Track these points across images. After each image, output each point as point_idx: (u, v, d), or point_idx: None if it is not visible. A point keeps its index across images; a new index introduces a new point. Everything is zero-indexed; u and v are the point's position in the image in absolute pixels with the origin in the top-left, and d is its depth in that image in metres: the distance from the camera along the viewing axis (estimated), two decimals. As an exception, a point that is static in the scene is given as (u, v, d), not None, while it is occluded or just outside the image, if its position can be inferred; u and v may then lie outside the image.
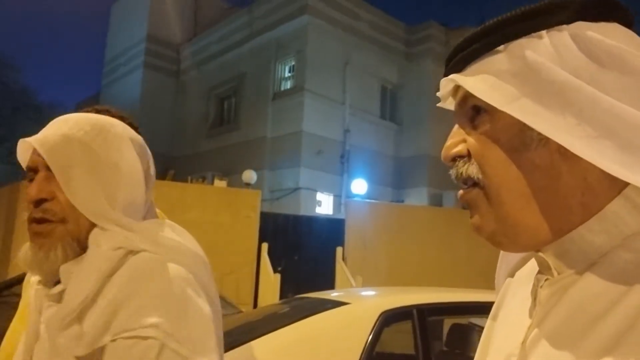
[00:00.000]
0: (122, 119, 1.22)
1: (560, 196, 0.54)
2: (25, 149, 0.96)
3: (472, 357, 0.70)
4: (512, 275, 0.70)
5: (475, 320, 2.68)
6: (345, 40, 14.81)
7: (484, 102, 0.55)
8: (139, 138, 1.02)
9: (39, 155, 0.91)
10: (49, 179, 0.91)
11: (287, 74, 15.19)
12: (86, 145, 0.91)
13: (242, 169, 11.73)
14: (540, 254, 0.58)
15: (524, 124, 0.53)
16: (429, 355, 2.21)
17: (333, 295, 2.79)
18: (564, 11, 0.53)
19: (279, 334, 2.20)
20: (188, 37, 18.85)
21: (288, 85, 15.04)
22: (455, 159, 0.59)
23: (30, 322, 0.94)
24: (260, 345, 2.13)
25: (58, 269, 0.90)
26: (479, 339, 0.70)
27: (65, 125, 0.93)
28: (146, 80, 18.07)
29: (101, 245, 0.87)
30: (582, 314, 0.52)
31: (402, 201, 13.84)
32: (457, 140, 0.59)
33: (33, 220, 0.91)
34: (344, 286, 7.80)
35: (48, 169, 0.90)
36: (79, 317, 0.83)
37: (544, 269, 0.59)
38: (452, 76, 0.60)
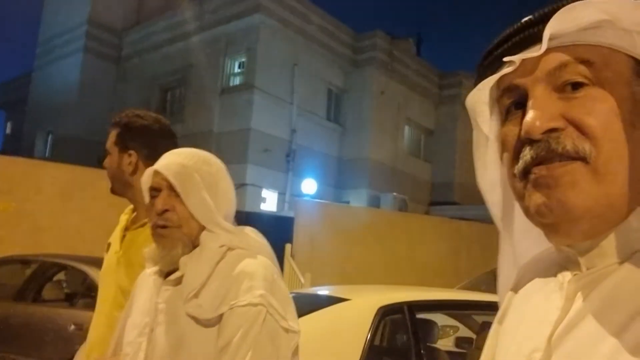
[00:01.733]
0: (158, 121, 1.78)
1: None
2: (149, 174, 1.28)
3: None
4: (523, 277, 0.69)
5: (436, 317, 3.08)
6: (295, 42, 15.08)
7: (599, 71, 0.53)
8: (223, 165, 1.33)
9: (162, 178, 1.24)
10: (170, 196, 1.23)
11: (236, 70, 15.24)
12: (197, 172, 1.24)
13: (188, 163, 11.67)
14: (568, 248, 0.57)
15: (636, 100, 0.53)
16: (418, 346, 2.58)
17: (329, 291, 3.09)
18: None
19: None
20: (131, 23, 18.32)
21: (237, 81, 15.10)
22: (548, 131, 0.54)
23: (149, 302, 1.26)
24: None
25: (174, 262, 1.23)
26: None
27: (179, 157, 1.26)
28: (86, 64, 17.39)
29: (210, 244, 1.21)
30: (616, 308, 0.52)
31: (348, 202, 14.34)
32: (550, 112, 0.54)
33: (157, 226, 1.24)
34: (293, 283, 8.09)
35: (169, 188, 1.23)
36: (196, 294, 1.17)
37: (569, 264, 0.58)
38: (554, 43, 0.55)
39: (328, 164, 15.75)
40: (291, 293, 3.44)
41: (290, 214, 10.25)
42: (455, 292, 3.30)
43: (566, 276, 0.58)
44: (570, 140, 0.53)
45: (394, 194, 15.12)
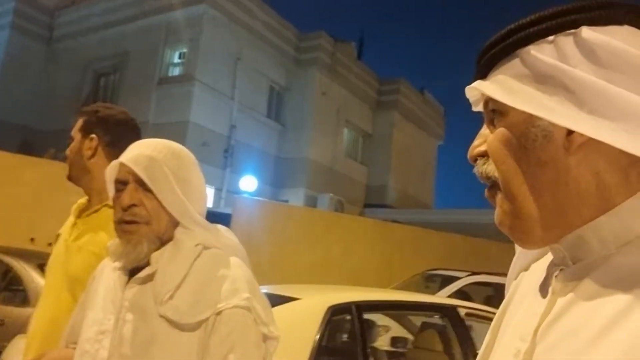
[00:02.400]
0: (124, 113, 1.75)
1: (572, 190, 0.56)
2: (114, 166, 1.22)
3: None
4: (526, 268, 0.72)
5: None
6: (239, 36, 14.89)
7: (500, 104, 0.59)
8: (195, 159, 1.28)
9: (128, 171, 1.18)
10: (137, 190, 1.18)
11: (176, 60, 14.82)
12: (166, 165, 1.18)
13: (122, 153, 11.24)
14: (557, 245, 0.60)
15: (530, 123, 0.57)
16: (365, 344, 2.66)
17: (277, 290, 3.10)
18: (571, 17, 0.56)
19: None
20: (66, 2, 17.34)
21: (177, 71, 14.69)
22: (477, 158, 0.63)
23: (113, 299, 1.19)
24: None
25: (139, 259, 1.17)
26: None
27: (147, 149, 1.20)
28: (12, 42, 16.25)
29: (187, 242, 1.17)
30: (599, 300, 0.53)
31: (287, 201, 14.33)
32: (480, 141, 0.63)
33: (123, 222, 1.18)
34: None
35: (137, 182, 1.17)
36: (172, 295, 1.11)
37: (559, 259, 0.61)
38: (475, 84, 0.63)
39: (266, 162, 15.68)
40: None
41: (227, 211, 10.12)
42: (400, 293, 3.42)
43: (554, 270, 0.60)
44: (484, 167, 0.61)
45: (331, 194, 15.29)
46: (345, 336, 2.69)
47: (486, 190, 0.62)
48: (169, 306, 1.10)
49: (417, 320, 3.56)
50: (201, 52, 13.89)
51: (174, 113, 13.57)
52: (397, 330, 3.84)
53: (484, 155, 0.61)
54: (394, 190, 19.34)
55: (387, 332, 4.06)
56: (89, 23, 16.30)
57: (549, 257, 0.66)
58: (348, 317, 2.70)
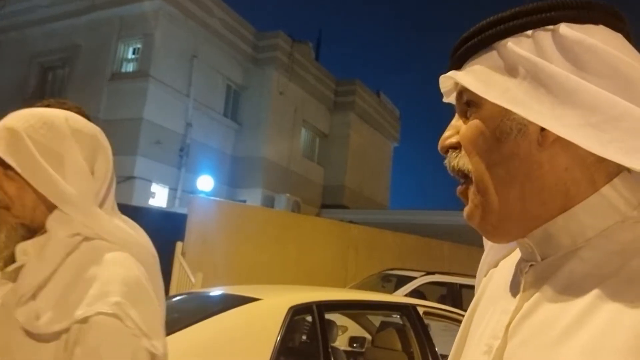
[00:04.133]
0: (77, 109, 1.44)
1: (543, 185, 0.57)
2: None
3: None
4: (495, 265, 0.72)
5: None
6: (195, 33, 14.63)
7: (475, 95, 0.59)
8: (88, 130, 1.04)
9: None
10: None
11: (130, 56, 14.40)
12: (31, 137, 0.96)
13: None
14: (525, 239, 0.60)
15: (505, 116, 0.57)
16: (326, 344, 2.66)
17: (237, 291, 3.06)
18: (550, 13, 0.57)
19: (198, 328, 2.42)
20: (10, -8, 16.53)
21: (130, 67, 14.26)
22: (448, 150, 0.62)
23: None
24: (178, 340, 2.30)
25: (7, 251, 0.97)
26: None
27: (12, 120, 0.99)
28: (-50, 31, 15.38)
29: (59, 231, 0.95)
30: (568, 295, 0.54)
31: (244, 201, 14.18)
32: (452, 132, 0.62)
33: None
34: (183, 282, 7.82)
35: None
36: (34, 295, 0.91)
37: (527, 255, 0.61)
38: (450, 73, 0.63)
39: (223, 161, 15.47)
40: (194, 292, 3.36)
41: (181, 211, 9.92)
42: (360, 292, 3.44)
43: (525, 266, 0.60)
44: (457, 160, 0.61)
45: (288, 195, 15.25)
46: (306, 336, 2.69)
47: (459, 186, 0.62)
48: (27, 310, 0.91)
49: (375, 319, 3.59)
50: (156, 48, 13.55)
51: (126, 109, 13.18)
52: (355, 329, 3.87)
53: (456, 147, 0.61)
54: (350, 191, 19.49)
55: (344, 332, 4.08)
56: (37, 14, 15.60)
57: (517, 254, 0.66)
58: (309, 317, 2.70)
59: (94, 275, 0.91)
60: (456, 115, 0.63)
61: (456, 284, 7.80)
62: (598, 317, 0.50)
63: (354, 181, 19.79)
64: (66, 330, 0.88)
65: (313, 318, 2.68)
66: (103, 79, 13.92)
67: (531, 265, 0.59)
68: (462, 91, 0.61)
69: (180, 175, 13.79)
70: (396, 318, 3.24)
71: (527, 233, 0.58)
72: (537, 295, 0.56)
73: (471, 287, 7.88)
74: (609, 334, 0.49)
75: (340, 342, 4.00)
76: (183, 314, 2.73)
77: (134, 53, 14.35)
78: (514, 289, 0.61)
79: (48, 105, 1.56)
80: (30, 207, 0.96)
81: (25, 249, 0.95)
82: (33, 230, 0.97)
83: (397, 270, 8.66)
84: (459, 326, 0.73)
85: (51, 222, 0.95)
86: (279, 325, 2.50)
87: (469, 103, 0.60)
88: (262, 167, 15.85)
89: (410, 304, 3.07)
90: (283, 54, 16.89)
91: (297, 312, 2.62)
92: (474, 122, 0.59)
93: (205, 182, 13.36)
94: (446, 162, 0.62)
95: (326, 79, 19.55)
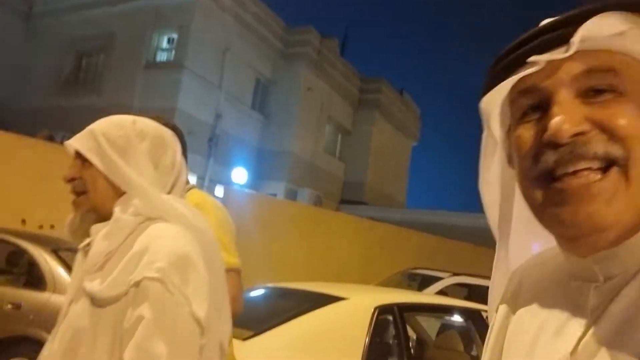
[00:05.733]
0: (157, 118, 1.52)
1: None
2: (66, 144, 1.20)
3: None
4: (521, 284, 0.68)
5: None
6: (229, 26, 14.85)
7: (617, 83, 0.53)
8: (152, 131, 1.19)
9: (70, 146, 1.17)
10: (76, 164, 1.17)
11: (164, 46, 14.67)
12: (103, 135, 1.14)
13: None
14: (583, 259, 0.56)
15: None
16: (407, 342, 2.90)
17: (319, 288, 3.30)
18: None
19: (293, 325, 2.62)
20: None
21: (164, 57, 14.55)
22: (574, 135, 0.53)
23: (72, 280, 1.17)
24: (267, 339, 2.52)
25: (87, 233, 1.14)
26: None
27: (93, 124, 1.18)
28: (-11, 15, 15.69)
29: (122, 212, 1.10)
30: (634, 318, 0.51)
31: (275, 194, 14.42)
32: (577, 116, 0.53)
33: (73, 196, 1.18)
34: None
35: (78, 156, 1.16)
36: (101, 267, 1.06)
37: (582, 272, 0.57)
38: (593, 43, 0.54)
39: (249, 153, 15.73)
40: (273, 287, 3.55)
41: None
42: (433, 296, 3.68)
43: (584, 287, 0.56)
44: (601, 144, 0.52)
45: (311, 189, 15.49)
46: (388, 335, 2.92)
47: (593, 176, 0.52)
48: (91, 280, 1.05)
49: (432, 322, 3.81)
50: (191, 40, 13.80)
51: (160, 99, 13.45)
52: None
53: (581, 134, 0.52)
54: (370, 188, 19.70)
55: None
56: (71, 2, 15.90)
57: (544, 265, 0.65)
58: (390, 317, 2.93)
59: (147, 247, 1.03)
60: (563, 99, 0.54)
61: (479, 285, 7.94)
62: None
63: (374, 178, 19.98)
64: (124, 294, 1.00)
65: (394, 318, 2.92)
66: (138, 67, 14.22)
67: (595, 287, 0.55)
68: (589, 71, 0.53)
69: (209, 165, 14.08)
70: (460, 321, 3.48)
71: (621, 241, 0.53)
72: (603, 319, 0.53)
73: None
74: None
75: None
76: (272, 310, 2.97)
77: (168, 43, 14.62)
78: (569, 312, 0.57)
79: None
80: (102, 193, 1.12)
81: (97, 229, 1.11)
82: (103, 215, 1.13)
83: (422, 270, 8.78)
84: None
85: (118, 205, 1.11)
86: (367, 324, 2.73)
87: (599, 90, 0.53)
88: (288, 160, 16.10)
89: (478, 309, 3.31)
90: (312, 50, 17.08)
91: (381, 312, 2.85)
92: (630, 108, 0.52)
93: (240, 174, 13.62)
94: (565, 150, 0.52)
95: (352, 75, 19.71)
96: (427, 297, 3.66)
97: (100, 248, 1.07)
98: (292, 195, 15.49)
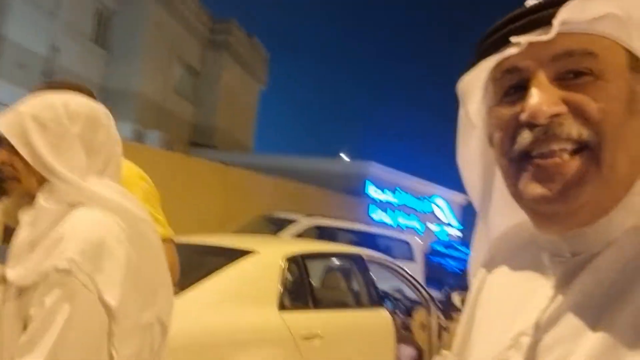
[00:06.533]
0: (78, 89, 1.48)
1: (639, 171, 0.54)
2: None
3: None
4: (495, 255, 0.70)
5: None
6: (64, -55, 13.10)
7: (596, 67, 0.53)
8: (85, 111, 1.14)
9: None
10: (8, 148, 1.11)
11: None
12: (34, 118, 1.08)
13: None
14: (552, 236, 0.58)
15: (632, 92, 0.54)
16: (312, 288, 3.33)
17: (225, 242, 3.49)
18: None
19: (204, 287, 2.75)
20: None
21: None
22: (552, 116, 0.53)
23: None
24: (193, 296, 2.63)
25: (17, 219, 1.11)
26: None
27: (22, 105, 1.12)
28: None
29: (48, 199, 1.07)
30: (600, 294, 0.53)
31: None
32: (555, 97, 0.53)
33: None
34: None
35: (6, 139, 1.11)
36: (24, 255, 1.04)
37: (550, 247, 0.59)
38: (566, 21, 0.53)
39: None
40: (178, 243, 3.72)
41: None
42: (325, 244, 4.13)
43: (551, 261, 0.59)
44: (575, 127, 0.53)
45: (160, 132, 14.93)
46: (296, 282, 3.28)
47: (562, 160, 0.53)
48: (13, 267, 1.05)
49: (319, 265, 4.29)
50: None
51: (-20, 24, 11.55)
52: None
53: (558, 115, 0.53)
54: (220, 132, 19.58)
55: None
56: None
57: (516, 238, 0.68)
58: (295, 266, 3.30)
59: (62, 235, 1.01)
60: (540, 80, 0.54)
61: (333, 227, 8.68)
62: (624, 314, 0.50)
63: (223, 122, 19.86)
64: (37, 283, 0.99)
65: (298, 266, 3.30)
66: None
67: (561, 261, 0.58)
68: (572, 54, 0.54)
69: (45, 103, 12.65)
70: (345, 263, 4.03)
71: (592, 222, 0.55)
72: (568, 292, 0.56)
73: (345, 231, 8.76)
74: None
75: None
76: (190, 266, 3.12)
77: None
78: (536, 283, 0.60)
79: (53, 87, 1.51)
80: (34, 179, 1.09)
81: (22, 216, 1.09)
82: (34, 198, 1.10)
83: (279, 213, 9.11)
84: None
85: (41, 192, 1.08)
86: (278, 273, 3.07)
87: (578, 74, 0.54)
88: (134, 100, 15.18)
89: (359, 253, 3.89)
90: (160, -18, 15.95)
91: (289, 261, 3.20)
92: (606, 93, 0.53)
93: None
94: (538, 130, 0.54)
95: (203, 15, 18.93)
96: (321, 245, 4.13)
97: (23, 235, 1.06)
98: (139, 138, 14.76)
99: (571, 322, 0.54)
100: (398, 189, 19.10)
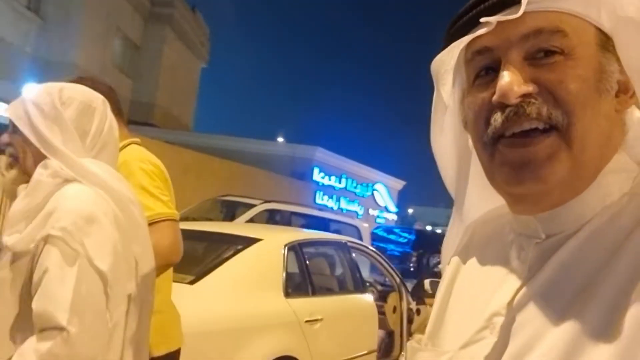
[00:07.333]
0: (93, 85, 1.52)
1: (610, 148, 0.56)
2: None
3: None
4: (471, 239, 0.70)
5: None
6: None
7: (566, 45, 0.53)
8: (80, 98, 1.26)
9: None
10: (11, 131, 1.26)
11: None
12: (34, 104, 1.21)
13: None
14: (527, 216, 0.58)
15: (602, 71, 0.54)
16: (309, 273, 3.44)
17: (234, 230, 3.51)
18: None
19: (223, 270, 2.85)
20: None
21: None
22: (522, 96, 0.53)
23: None
24: (209, 283, 2.74)
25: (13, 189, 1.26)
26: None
27: (28, 92, 1.26)
28: None
29: (44, 174, 1.17)
30: (574, 275, 0.53)
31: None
32: (525, 77, 0.53)
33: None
34: None
35: (12, 123, 1.25)
36: (21, 223, 1.15)
37: (525, 229, 0.59)
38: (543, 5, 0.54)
39: (20, 62, 13.43)
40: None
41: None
42: (317, 233, 4.22)
43: (526, 243, 0.59)
44: (545, 106, 0.52)
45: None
46: (296, 267, 3.37)
47: (531, 142, 0.53)
48: (10, 234, 1.15)
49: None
50: None
51: None
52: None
53: (530, 95, 0.53)
54: (160, 109, 18.94)
55: None
56: None
57: (492, 222, 0.68)
58: (294, 253, 3.39)
59: (56, 207, 1.12)
60: (510, 59, 0.54)
61: (288, 211, 8.72)
62: (597, 297, 0.51)
63: (163, 99, 19.22)
64: (34, 249, 1.11)
65: (297, 253, 3.39)
66: None
67: (536, 243, 0.58)
68: (537, 32, 0.54)
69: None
70: (330, 250, 4.17)
71: (564, 202, 0.56)
72: (542, 273, 0.56)
73: (298, 215, 8.83)
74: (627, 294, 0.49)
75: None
76: (203, 253, 3.14)
77: None
78: (511, 264, 0.60)
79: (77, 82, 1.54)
80: (31, 158, 1.22)
81: (20, 191, 1.21)
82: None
83: (232, 197, 8.96)
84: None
85: (37, 168, 1.18)
86: (281, 260, 3.15)
87: (547, 51, 0.54)
88: (70, 73, 14.26)
89: (345, 240, 4.05)
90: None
91: (290, 249, 3.29)
92: (576, 72, 0.53)
93: (7, 88, 11.55)
94: (509, 111, 0.53)
95: (144, -16, 18.07)
96: (314, 234, 4.25)
97: (19, 206, 1.16)
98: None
99: (545, 301, 0.54)
100: (344, 175, 19.41)
